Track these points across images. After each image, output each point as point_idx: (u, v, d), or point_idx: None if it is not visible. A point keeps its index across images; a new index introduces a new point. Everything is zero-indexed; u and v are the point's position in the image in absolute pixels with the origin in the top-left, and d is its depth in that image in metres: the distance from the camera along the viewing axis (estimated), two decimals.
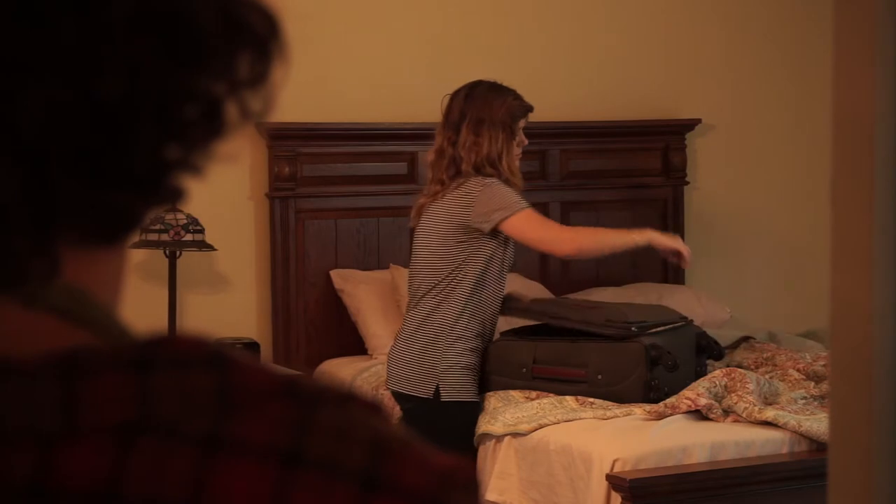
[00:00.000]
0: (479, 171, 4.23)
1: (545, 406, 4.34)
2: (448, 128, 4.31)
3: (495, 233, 4.25)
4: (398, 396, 4.33)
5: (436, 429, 4.24)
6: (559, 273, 5.85)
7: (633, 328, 4.42)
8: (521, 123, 4.35)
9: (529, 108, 4.38)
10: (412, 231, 4.47)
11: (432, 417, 4.24)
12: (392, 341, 5.26)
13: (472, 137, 4.23)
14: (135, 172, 0.62)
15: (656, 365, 4.37)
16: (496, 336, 4.48)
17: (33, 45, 0.59)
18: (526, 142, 4.38)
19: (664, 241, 4.52)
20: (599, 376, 4.43)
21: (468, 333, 4.29)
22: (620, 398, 4.38)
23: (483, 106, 4.26)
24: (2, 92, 0.59)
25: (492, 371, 4.56)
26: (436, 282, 4.27)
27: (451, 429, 4.27)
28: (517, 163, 4.35)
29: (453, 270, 4.25)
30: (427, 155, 4.44)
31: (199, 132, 0.64)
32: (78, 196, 0.61)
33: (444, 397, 4.27)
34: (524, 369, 4.50)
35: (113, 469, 0.59)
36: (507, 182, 4.27)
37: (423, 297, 4.30)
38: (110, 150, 0.61)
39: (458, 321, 4.27)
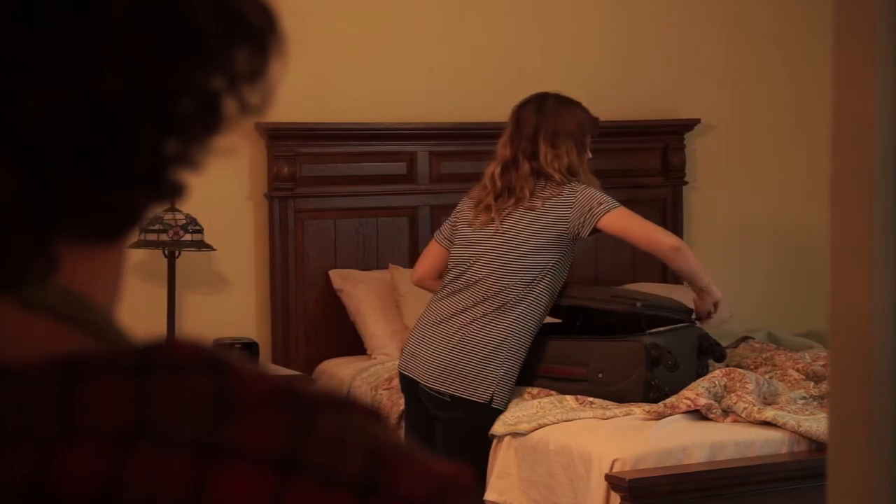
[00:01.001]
0: (567, 180, 4.31)
1: (545, 405, 4.34)
2: (522, 140, 4.34)
3: (579, 239, 4.29)
4: (443, 400, 4.26)
5: (475, 435, 4.24)
6: None
7: (637, 304, 4.43)
8: (589, 138, 4.42)
9: (597, 121, 4.47)
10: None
11: (479, 423, 4.24)
12: (391, 341, 5.24)
13: (551, 150, 4.30)
14: (135, 171, 0.62)
15: (656, 365, 4.37)
16: None
17: (33, 44, 0.59)
18: (590, 155, 4.43)
19: (711, 306, 4.54)
20: (600, 375, 4.43)
21: (527, 341, 4.29)
22: (621, 397, 4.38)
23: (555, 118, 4.33)
24: (2, 92, 0.59)
25: None
26: (509, 285, 4.25)
27: (482, 434, 4.28)
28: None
29: (535, 277, 4.25)
30: (491, 167, 4.39)
31: (197, 126, 0.64)
32: (78, 195, 0.61)
33: (496, 405, 4.27)
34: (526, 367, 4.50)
35: (112, 473, 0.59)
36: None
37: (488, 298, 4.26)
38: (110, 150, 0.61)
39: (526, 327, 4.27)
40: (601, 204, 4.25)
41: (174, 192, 0.65)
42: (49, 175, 0.60)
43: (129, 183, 0.62)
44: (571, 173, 4.31)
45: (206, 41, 0.62)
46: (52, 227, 0.61)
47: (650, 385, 4.36)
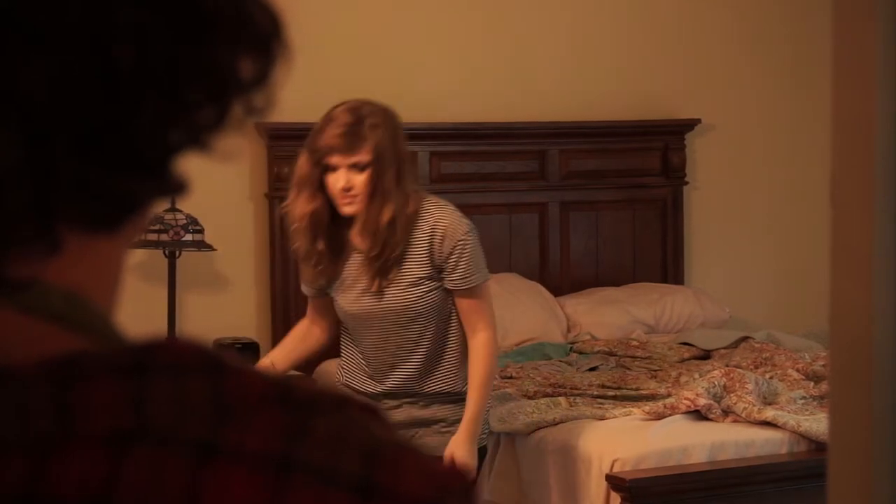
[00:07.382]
0: None
1: (541, 406, 4.34)
2: None
3: None
4: None
5: None
6: (559, 274, 5.85)
7: None
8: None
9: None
10: None
11: None
12: None
13: None
14: (138, 154, 0.62)
15: None
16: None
17: (42, 12, 0.59)
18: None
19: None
20: None
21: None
22: None
23: None
24: (10, 59, 0.59)
25: None
26: None
27: None
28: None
29: None
30: None
31: (203, 119, 0.64)
32: (80, 173, 0.61)
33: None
34: None
35: (107, 477, 0.59)
36: None
37: None
38: (115, 127, 0.61)
39: None
40: None
41: (177, 186, 0.65)
42: (53, 148, 0.60)
43: (132, 165, 0.62)
44: None
45: (214, 25, 0.62)
46: (53, 201, 0.60)
47: None
